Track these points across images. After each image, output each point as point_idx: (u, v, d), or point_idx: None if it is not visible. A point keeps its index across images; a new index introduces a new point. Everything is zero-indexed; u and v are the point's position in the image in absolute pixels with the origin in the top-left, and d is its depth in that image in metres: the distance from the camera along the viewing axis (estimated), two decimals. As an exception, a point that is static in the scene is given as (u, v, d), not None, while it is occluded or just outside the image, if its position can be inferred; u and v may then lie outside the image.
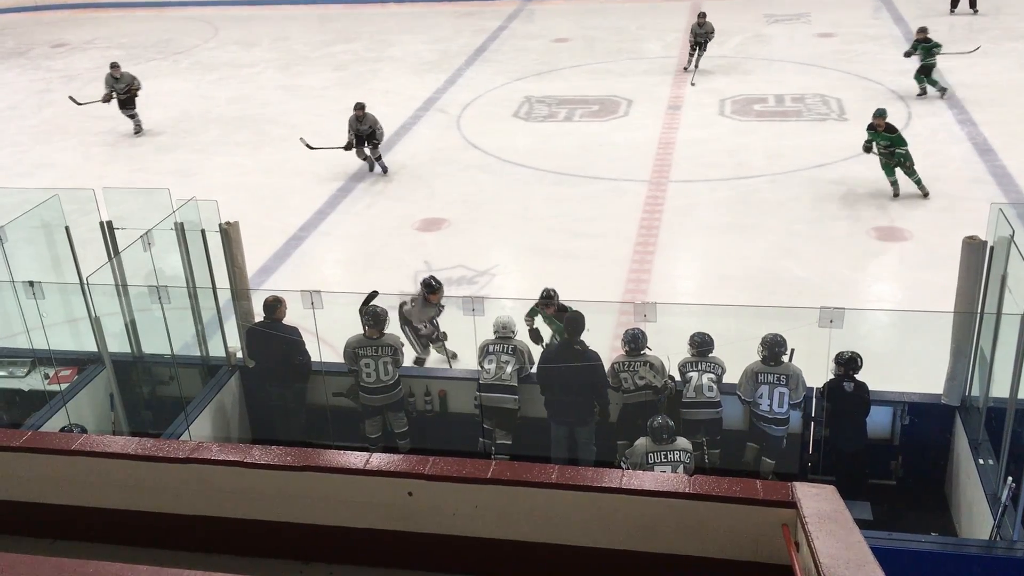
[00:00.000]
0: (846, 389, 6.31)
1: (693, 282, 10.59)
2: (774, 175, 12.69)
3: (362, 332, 7.10)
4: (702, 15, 17.32)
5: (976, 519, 5.51)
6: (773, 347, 6.53)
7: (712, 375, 6.69)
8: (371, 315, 7.09)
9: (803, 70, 17.40)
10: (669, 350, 6.83)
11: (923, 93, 15.19)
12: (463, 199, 12.53)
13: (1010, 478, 4.88)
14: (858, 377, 6.34)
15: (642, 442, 6.07)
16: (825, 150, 13.32)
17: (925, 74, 15.14)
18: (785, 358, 6.56)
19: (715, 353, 6.84)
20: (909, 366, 7.63)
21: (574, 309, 7.01)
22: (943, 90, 15.12)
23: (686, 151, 13.80)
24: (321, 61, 20.31)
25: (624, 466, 6.09)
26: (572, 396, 6.77)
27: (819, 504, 3.44)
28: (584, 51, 19.77)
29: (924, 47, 15.01)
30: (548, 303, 7.61)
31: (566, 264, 10.44)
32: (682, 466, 5.91)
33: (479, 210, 12.15)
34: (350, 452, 3.87)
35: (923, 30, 15.24)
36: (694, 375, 6.70)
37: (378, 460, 3.82)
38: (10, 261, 7.35)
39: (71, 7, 27.24)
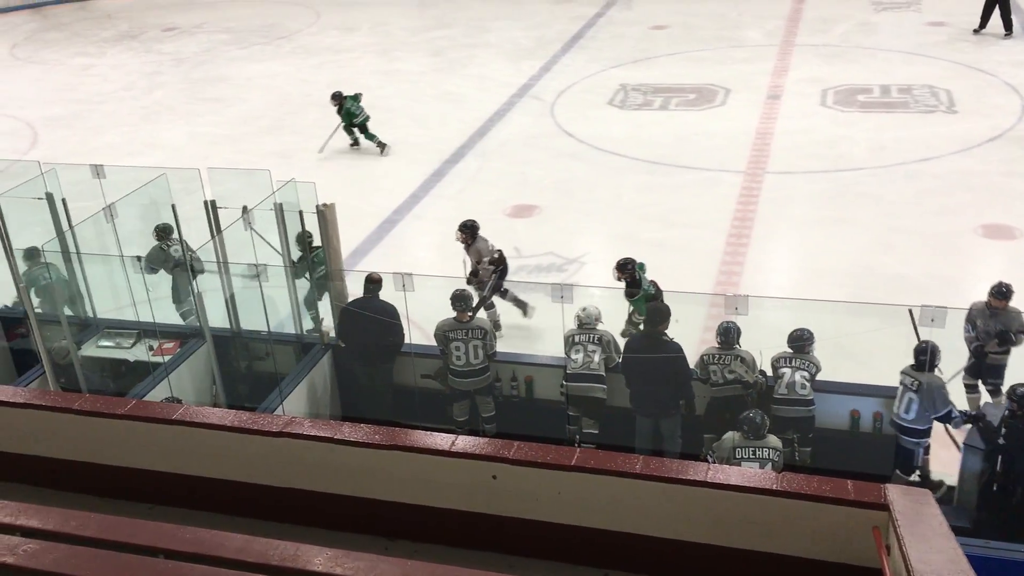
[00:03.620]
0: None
1: (787, 276, 10.36)
2: (876, 168, 12.29)
3: (453, 316, 7.18)
4: None
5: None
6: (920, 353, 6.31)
7: (806, 372, 6.55)
8: (460, 298, 7.16)
9: (911, 60, 16.77)
10: (761, 344, 6.72)
11: None
12: (555, 186, 12.52)
13: None
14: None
15: (731, 436, 5.99)
16: (931, 143, 12.83)
17: None
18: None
19: (814, 350, 6.67)
20: (1014, 373, 7.32)
21: (651, 293, 6.92)
22: None
23: (784, 142, 13.48)
24: (419, 46, 20.52)
25: (711, 460, 6.02)
26: (655, 387, 6.72)
27: (913, 507, 3.35)
28: (682, 38, 19.46)
29: None
30: (622, 272, 7.57)
31: (657, 254, 10.29)
32: (770, 464, 5.81)
33: (571, 198, 12.12)
34: (437, 434, 3.94)
35: None
36: (787, 371, 6.57)
37: (464, 442, 3.88)
38: (120, 237, 7.67)
39: (181, -8, 28.19)
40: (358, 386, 7.66)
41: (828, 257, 10.19)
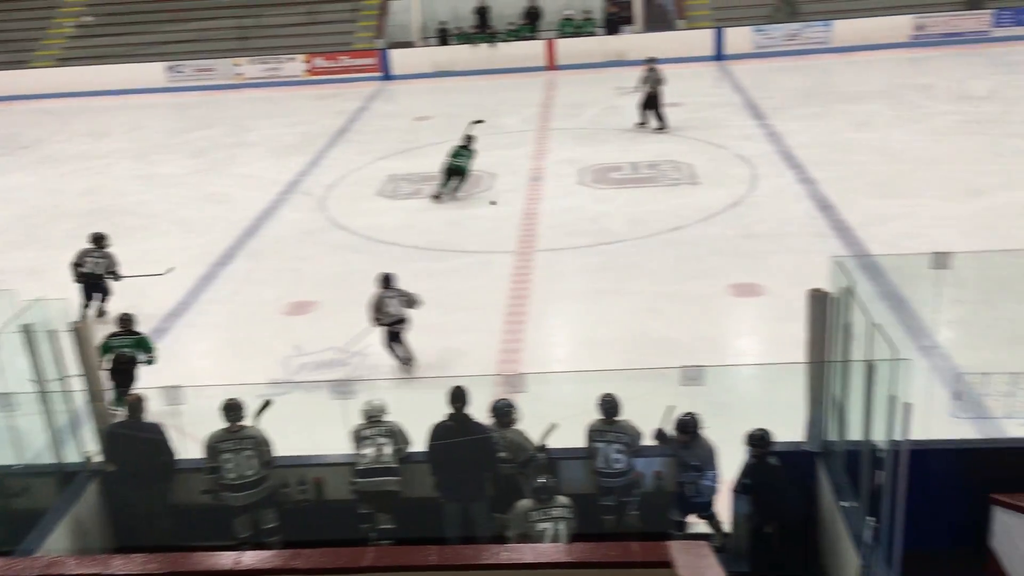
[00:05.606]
0: (771, 463, 6.31)
1: (565, 349, 10.75)
2: (635, 239, 13.13)
3: (224, 426, 6.85)
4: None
5: (844, 561, 5.72)
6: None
7: (619, 444, 6.67)
8: (230, 408, 6.85)
9: (654, 138, 18.21)
10: (548, 417, 6.87)
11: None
12: (332, 281, 12.41)
13: (871, 518, 5.10)
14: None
15: (523, 503, 6.08)
16: (680, 213, 13.91)
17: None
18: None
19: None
20: (774, 417, 7.92)
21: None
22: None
23: (550, 221, 14.14)
24: (178, 148, 19.92)
25: (508, 534, 6.08)
26: (465, 472, 6.68)
27: (693, 561, 3.52)
28: (445, 128, 20.08)
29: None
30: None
31: (438, 339, 10.44)
32: (564, 521, 5.96)
33: (349, 291, 12.01)
34: (219, 553, 3.71)
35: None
36: (601, 445, 6.69)
37: (250, 558, 3.67)
38: None
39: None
40: (132, 512, 7.10)
41: (602, 327, 10.69)
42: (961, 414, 7.63)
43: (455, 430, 6.62)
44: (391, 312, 9.87)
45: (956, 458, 6.18)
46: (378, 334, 9.98)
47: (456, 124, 20.19)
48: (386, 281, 10.05)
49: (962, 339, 9.72)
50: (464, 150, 15.45)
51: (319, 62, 26.24)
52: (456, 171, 15.35)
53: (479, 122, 16.62)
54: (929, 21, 24.76)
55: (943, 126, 17.51)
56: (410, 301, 9.96)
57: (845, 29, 24.85)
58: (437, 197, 15.31)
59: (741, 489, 6.43)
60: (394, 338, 9.95)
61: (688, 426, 6.48)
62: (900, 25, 24.78)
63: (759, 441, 6.31)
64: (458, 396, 6.71)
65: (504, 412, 6.73)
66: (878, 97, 20.03)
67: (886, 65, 23.32)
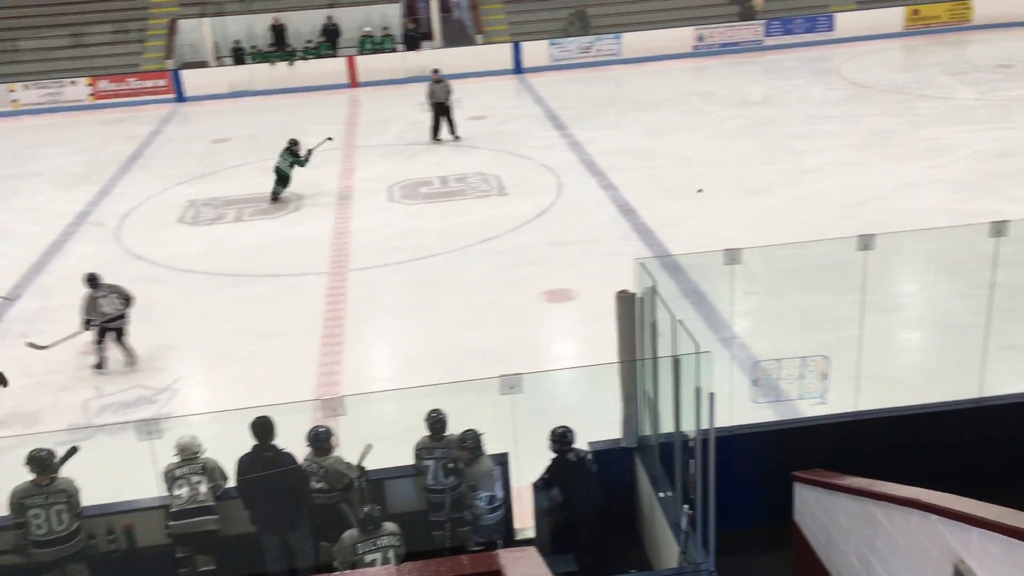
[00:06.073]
0: (571, 459, 6.47)
1: (386, 367, 10.67)
2: (448, 253, 13.21)
3: (30, 480, 6.33)
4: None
5: (665, 549, 5.97)
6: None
7: (447, 460, 6.61)
8: (34, 460, 6.35)
9: (461, 151, 18.42)
10: (371, 439, 6.77)
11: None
12: (132, 315, 11.71)
13: (686, 506, 5.35)
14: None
15: (349, 534, 5.94)
16: (491, 224, 14.12)
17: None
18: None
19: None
20: (592, 417, 8.17)
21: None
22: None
23: (362, 239, 14.00)
24: (-52, 182, 18.27)
25: (335, 565, 5.92)
26: (276, 504, 6.47)
27: (523, 569, 3.57)
28: (247, 149, 19.52)
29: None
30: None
31: (254, 368, 10.09)
32: (392, 550, 5.86)
33: (150, 324, 11.39)
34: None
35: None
36: (430, 463, 6.63)
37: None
38: None
39: None
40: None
41: (421, 342, 10.67)
42: (761, 399, 8.14)
43: (261, 462, 6.42)
44: (106, 311, 10.14)
45: (758, 441, 6.61)
46: (91, 335, 10.22)
47: (258, 145, 19.66)
48: (92, 280, 10.30)
49: (757, 328, 10.39)
50: (287, 152, 15.75)
51: (104, 85, 24.81)
52: (278, 173, 15.72)
53: (328, 139, 17.04)
54: (708, 32, 26.44)
55: (727, 130, 18.71)
56: (125, 298, 10.27)
57: (634, 41, 26.10)
58: (275, 199, 15.82)
59: (541, 484, 6.62)
60: (117, 336, 10.25)
61: (467, 442, 6.48)
62: (683, 36, 26.31)
63: (559, 438, 6.53)
64: (262, 427, 6.49)
65: (320, 439, 6.57)
66: (668, 105, 21.16)
67: (673, 74, 24.68)
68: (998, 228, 6.59)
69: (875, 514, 4.83)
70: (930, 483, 4.55)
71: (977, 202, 13.36)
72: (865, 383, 7.57)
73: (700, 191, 14.98)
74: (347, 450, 6.69)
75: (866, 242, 6.72)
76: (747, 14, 26.75)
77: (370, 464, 6.62)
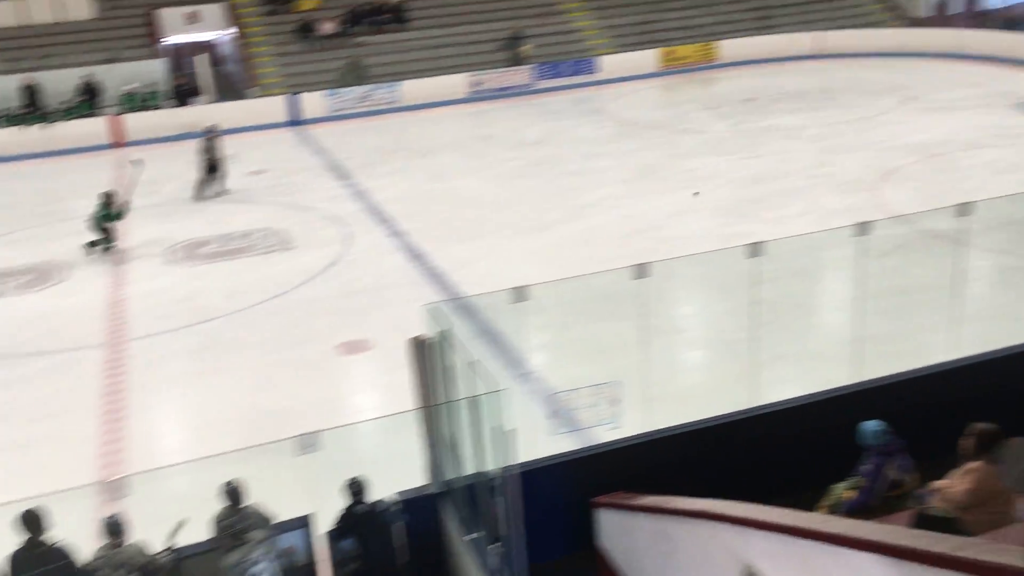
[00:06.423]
0: (360, 510, 6.40)
1: (177, 438, 10.10)
2: (236, 312, 12.73)
3: None
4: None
5: (480, 590, 5.98)
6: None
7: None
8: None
9: (243, 209, 17.88)
10: (166, 517, 6.36)
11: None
12: None
13: (495, 544, 5.39)
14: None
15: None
16: (279, 280, 13.76)
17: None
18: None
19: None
20: (394, 467, 8.08)
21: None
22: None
23: (140, 305, 13.24)
24: None
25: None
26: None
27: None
28: (2, 220, 18.02)
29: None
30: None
31: (23, 457, 9.25)
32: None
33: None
34: None
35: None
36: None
37: None
38: None
39: None
40: None
41: (211, 409, 10.18)
42: (561, 430, 8.38)
43: (35, 559, 5.90)
44: None
45: (560, 471, 6.77)
46: None
47: (13, 215, 18.20)
48: None
49: (550, 361, 10.70)
50: (102, 207, 15.51)
51: None
52: (96, 224, 15.49)
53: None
54: (483, 78, 27.25)
55: (508, 171, 19.29)
56: None
57: (411, 89, 26.46)
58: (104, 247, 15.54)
59: (336, 535, 6.58)
60: None
61: (231, 496, 6.36)
62: (458, 83, 26.96)
63: (348, 490, 6.53)
64: (30, 520, 5.98)
65: (114, 529, 6.11)
66: (449, 149, 21.55)
67: (451, 119, 25.19)
68: (754, 249, 7.16)
69: (670, 529, 5.06)
70: (723, 493, 4.83)
71: (737, 226, 14.47)
72: (654, 404, 7.97)
73: (696, 194, 16.07)
74: (153, 532, 6.24)
75: (640, 271, 7.11)
76: (516, 60, 27.82)
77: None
